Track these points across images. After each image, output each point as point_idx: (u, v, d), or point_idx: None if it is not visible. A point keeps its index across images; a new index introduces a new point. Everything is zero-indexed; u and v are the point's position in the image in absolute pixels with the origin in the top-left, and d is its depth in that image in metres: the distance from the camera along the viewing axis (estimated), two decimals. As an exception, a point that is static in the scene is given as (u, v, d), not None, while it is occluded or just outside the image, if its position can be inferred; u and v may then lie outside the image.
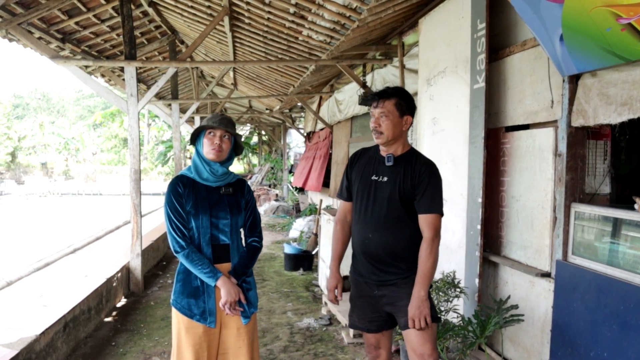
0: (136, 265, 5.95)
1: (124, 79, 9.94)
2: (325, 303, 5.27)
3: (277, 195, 15.93)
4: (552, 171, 3.02)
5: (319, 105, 10.77)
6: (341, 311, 4.77)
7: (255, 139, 23.86)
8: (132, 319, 5.02)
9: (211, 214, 2.42)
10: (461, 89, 3.83)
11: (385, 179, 2.43)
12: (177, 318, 2.44)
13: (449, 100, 4.05)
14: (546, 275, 3.03)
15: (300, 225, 9.00)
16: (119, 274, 5.61)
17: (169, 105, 12.22)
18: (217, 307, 2.42)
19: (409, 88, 5.57)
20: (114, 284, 5.42)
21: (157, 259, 7.78)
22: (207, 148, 2.44)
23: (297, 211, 11.65)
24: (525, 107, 3.29)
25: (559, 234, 2.93)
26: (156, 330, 4.67)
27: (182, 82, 12.33)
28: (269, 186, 18.14)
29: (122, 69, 9.60)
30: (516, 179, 3.41)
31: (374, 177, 2.46)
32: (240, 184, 2.59)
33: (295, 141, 20.51)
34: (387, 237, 2.40)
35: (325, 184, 10.10)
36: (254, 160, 26.85)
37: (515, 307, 2.94)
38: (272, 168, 19.45)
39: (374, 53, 6.41)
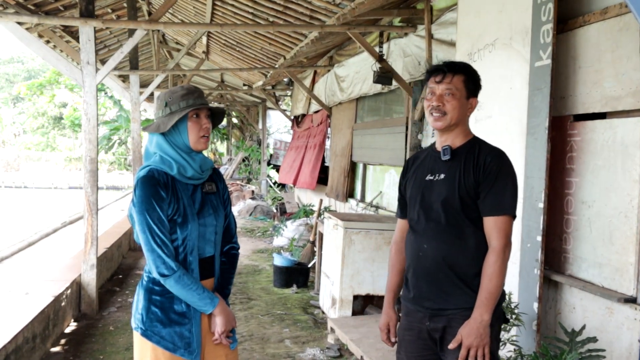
0: (90, 279, 5.82)
1: (67, 41, 9.90)
2: (332, 329, 5.22)
3: (253, 192, 15.84)
4: (639, 171, 3.01)
5: (313, 81, 10.70)
6: (354, 340, 4.73)
7: (224, 121, 23.69)
8: (87, 348, 4.90)
9: (198, 221, 2.35)
10: (517, 67, 3.80)
11: (442, 176, 2.38)
12: (155, 353, 2.32)
13: (499, 80, 4.02)
14: (630, 300, 3.02)
15: (289, 232, 8.95)
16: (68, 291, 5.48)
17: (120, 77, 12.07)
18: (202, 336, 2.38)
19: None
20: (63, 304, 5.30)
21: (111, 272, 7.65)
22: (195, 136, 2.33)
23: (282, 213, 11.58)
24: (603, 90, 3.27)
25: (648, 250, 2.92)
26: (121, 362, 4.57)
27: (139, 49, 12.16)
28: (243, 181, 18.02)
29: (64, 28, 9.40)
30: (588, 180, 3.40)
31: (429, 177, 2.43)
32: (217, 175, 2.54)
33: (275, 125, 20.42)
34: (446, 248, 2.34)
35: (321, 180, 10.05)
36: (222, 148, 26.66)
37: (594, 340, 2.93)
38: (246, 159, 19.32)
39: (391, 19, 6.37)
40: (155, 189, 2.26)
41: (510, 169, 2.36)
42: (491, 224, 2.28)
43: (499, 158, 2.34)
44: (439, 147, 2.44)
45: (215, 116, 2.47)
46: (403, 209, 2.58)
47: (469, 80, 2.37)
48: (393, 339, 2.58)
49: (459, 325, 2.28)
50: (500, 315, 2.31)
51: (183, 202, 2.32)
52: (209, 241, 2.40)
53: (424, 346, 2.42)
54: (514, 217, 2.31)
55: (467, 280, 2.32)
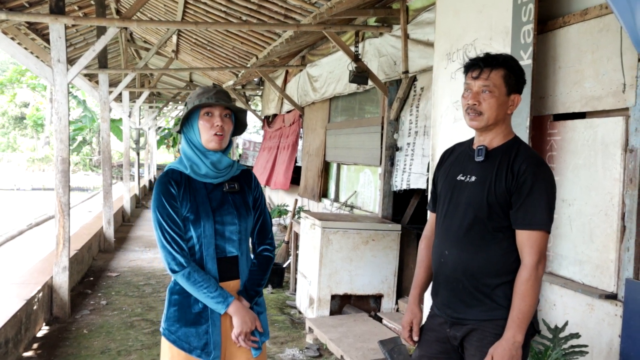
0: (62, 282, 5.67)
1: (32, 39, 9.63)
2: (310, 329, 5.19)
3: (223, 192, 15.70)
4: (620, 170, 3.05)
5: (285, 81, 10.65)
6: (334, 339, 4.71)
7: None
8: (61, 352, 4.77)
9: (215, 219, 2.33)
10: (497, 67, 3.82)
11: (473, 178, 2.25)
12: (171, 352, 2.33)
13: (479, 79, 4.04)
14: (611, 297, 3.06)
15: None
16: (40, 294, 5.32)
17: (87, 75, 11.82)
18: (222, 339, 2.33)
19: (414, 63, 5.57)
20: (34, 307, 5.14)
21: (81, 274, 7.47)
22: (206, 134, 2.31)
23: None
24: (583, 90, 3.32)
25: (630, 247, 2.97)
26: (96, 367, 4.46)
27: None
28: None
29: (30, 26, 9.16)
30: (568, 179, 3.43)
31: (460, 177, 2.30)
32: (246, 176, 2.51)
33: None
34: (468, 256, 2.23)
35: (294, 180, 10.00)
36: (189, 148, 26.32)
37: (577, 336, 2.96)
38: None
39: (366, 18, 6.37)
40: (166, 187, 2.31)
41: (548, 179, 2.18)
42: (523, 239, 2.15)
43: (535, 167, 2.16)
44: (475, 145, 2.30)
45: (238, 122, 2.44)
46: (434, 201, 2.48)
47: (509, 75, 2.20)
48: (415, 338, 2.46)
49: (477, 336, 2.22)
50: (529, 329, 2.19)
51: (196, 200, 2.32)
52: (229, 240, 2.36)
53: (440, 349, 2.36)
54: (548, 232, 2.16)
55: (487, 291, 2.21)
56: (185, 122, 2.37)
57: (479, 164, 2.26)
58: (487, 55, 2.23)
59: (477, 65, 2.21)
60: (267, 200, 12.94)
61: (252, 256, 2.52)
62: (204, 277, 2.27)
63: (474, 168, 2.28)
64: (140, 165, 20.92)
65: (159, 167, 26.86)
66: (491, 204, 2.19)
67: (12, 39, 9.01)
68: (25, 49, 9.46)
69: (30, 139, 39.93)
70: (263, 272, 2.47)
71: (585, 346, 2.93)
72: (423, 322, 2.53)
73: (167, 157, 35.05)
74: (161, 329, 2.38)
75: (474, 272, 2.23)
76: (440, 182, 2.44)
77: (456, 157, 2.42)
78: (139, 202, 16.81)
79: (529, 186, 2.13)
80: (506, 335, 2.11)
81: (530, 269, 2.11)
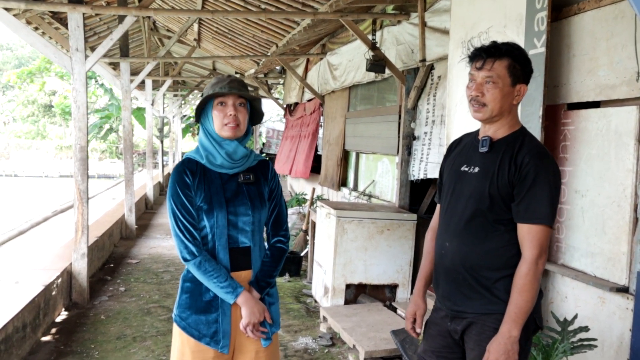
0: (80, 268, 5.79)
1: (56, 28, 9.78)
2: (324, 318, 5.22)
3: (245, 181, 15.80)
4: (633, 161, 3.00)
5: (306, 69, 10.64)
6: (346, 329, 4.74)
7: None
8: (78, 338, 4.88)
9: (228, 209, 2.34)
10: (511, 55, 3.78)
11: (477, 169, 2.22)
12: (181, 339, 2.37)
13: (493, 68, 4.00)
14: (622, 290, 3.02)
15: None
16: (59, 280, 5.45)
17: (111, 64, 11.96)
18: (232, 328, 2.36)
19: (431, 52, 5.53)
20: (53, 293, 5.26)
21: (102, 260, 7.61)
22: (220, 123, 2.32)
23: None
24: (597, 79, 3.26)
25: (641, 240, 2.92)
26: (112, 352, 4.55)
27: (129, 36, 12.03)
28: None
29: (53, 15, 9.29)
30: (582, 169, 3.39)
31: (464, 168, 2.28)
32: (262, 167, 2.50)
33: (267, 114, 20.35)
34: (468, 248, 2.21)
35: (314, 169, 10.02)
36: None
37: (586, 329, 2.93)
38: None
39: (384, 6, 6.33)
40: (180, 176, 2.33)
41: (551, 173, 2.13)
42: (524, 232, 2.12)
43: (539, 159, 2.12)
44: (480, 136, 2.28)
45: (255, 111, 2.45)
46: (440, 192, 2.47)
47: (513, 65, 2.14)
48: (418, 330, 2.46)
49: (477, 330, 2.20)
50: (530, 325, 2.17)
51: (211, 190, 2.34)
52: (242, 231, 2.37)
53: (443, 343, 2.36)
54: (550, 226, 2.11)
55: (487, 284, 2.19)
56: (201, 112, 2.39)
57: (483, 155, 2.23)
58: (491, 44, 2.18)
59: (479, 56, 2.17)
60: (289, 189, 12.99)
61: (266, 246, 2.53)
62: (215, 266, 2.29)
63: (478, 159, 2.25)
64: (164, 153, 21.16)
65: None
66: (493, 196, 2.16)
67: (36, 28, 9.18)
68: (50, 38, 9.65)
69: (59, 127, 40.69)
70: (275, 263, 2.46)
71: (594, 340, 2.90)
72: (429, 314, 2.54)
73: (192, 145, 35.33)
74: (173, 315, 2.43)
75: (474, 264, 2.21)
76: (445, 173, 2.43)
77: (462, 147, 2.39)
78: (162, 190, 17.01)
79: (532, 179, 2.09)
80: (502, 329, 2.09)
81: (529, 263, 2.08)
